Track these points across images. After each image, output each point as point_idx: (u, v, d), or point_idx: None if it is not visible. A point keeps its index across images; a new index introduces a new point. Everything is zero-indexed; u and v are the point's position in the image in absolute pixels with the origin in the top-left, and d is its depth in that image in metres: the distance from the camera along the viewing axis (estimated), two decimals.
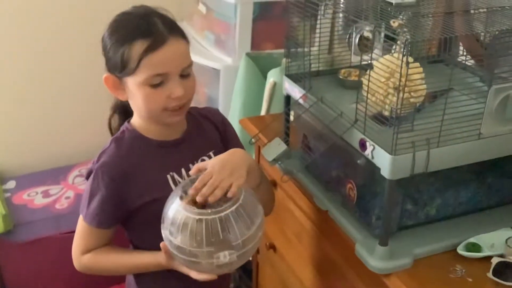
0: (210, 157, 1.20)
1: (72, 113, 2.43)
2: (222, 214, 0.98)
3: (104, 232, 1.16)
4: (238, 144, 1.27)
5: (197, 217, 0.98)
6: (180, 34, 1.11)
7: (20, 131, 2.43)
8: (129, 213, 1.15)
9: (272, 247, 1.60)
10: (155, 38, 1.06)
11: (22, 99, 2.38)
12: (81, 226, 1.17)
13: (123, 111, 1.23)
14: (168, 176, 1.16)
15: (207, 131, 1.24)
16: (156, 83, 1.07)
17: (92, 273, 1.20)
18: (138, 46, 1.05)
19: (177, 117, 1.14)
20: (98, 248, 1.17)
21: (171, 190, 1.11)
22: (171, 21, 1.11)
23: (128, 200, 1.14)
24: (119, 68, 1.08)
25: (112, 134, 1.25)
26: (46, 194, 2.26)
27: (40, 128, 2.44)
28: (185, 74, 1.11)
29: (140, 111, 1.14)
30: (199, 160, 1.19)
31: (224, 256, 0.99)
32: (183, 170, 1.17)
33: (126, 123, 1.19)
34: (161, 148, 1.17)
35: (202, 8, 2.17)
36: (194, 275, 1.05)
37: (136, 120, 1.18)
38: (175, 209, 1.01)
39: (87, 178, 1.17)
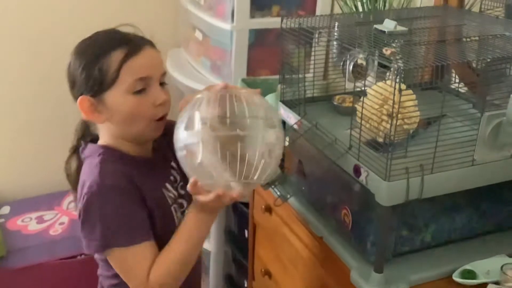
0: (175, 169, 1.19)
1: (67, 138, 2.43)
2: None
3: (150, 245, 1.07)
4: None
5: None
6: (152, 44, 1.11)
7: (14, 156, 2.43)
8: None
9: (267, 273, 1.59)
10: (132, 45, 1.06)
11: (16, 125, 2.39)
12: (123, 256, 1.05)
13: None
14: (164, 191, 1.15)
15: (163, 143, 1.20)
16: (139, 89, 1.05)
17: (171, 285, 1.08)
18: (116, 55, 1.04)
19: (159, 130, 1.12)
20: None
21: (169, 205, 1.12)
22: (140, 34, 1.12)
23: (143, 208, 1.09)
24: (96, 85, 1.05)
25: (70, 181, 1.19)
26: (40, 220, 2.24)
27: (35, 154, 2.43)
28: (163, 82, 1.11)
29: (125, 125, 1.09)
30: (168, 186, 1.16)
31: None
32: (168, 185, 1.16)
33: (96, 147, 1.12)
34: (146, 164, 1.13)
35: (198, 34, 2.19)
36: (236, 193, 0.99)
37: (110, 141, 1.12)
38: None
39: (85, 211, 1.04)
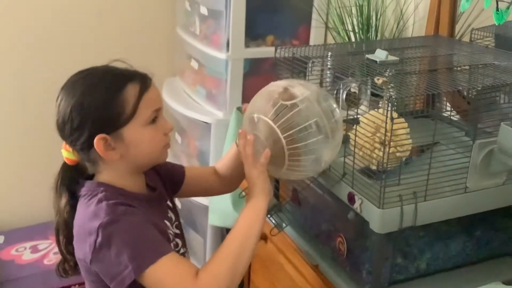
0: (170, 208, 1.20)
1: None
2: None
3: (176, 254, 1.04)
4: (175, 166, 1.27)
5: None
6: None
7: (8, 186, 2.42)
8: None
9: None
10: (141, 78, 1.07)
11: (12, 154, 2.39)
12: (159, 271, 0.98)
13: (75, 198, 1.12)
14: (167, 226, 1.14)
15: (158, 182, 1.21)
16: (153, 119, 1.07)
17: (232, 278, 1.01)
18: (131, 90, 1.04)
19: (167, 156, 1.14)
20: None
21: (171, 240, 1.10)
22: (132, 68, 1.10)
23: None
24: (114, 121, 1.03)
25: (66, 223, 1.15)
26: (34, 249, 2.23)
27: (29, 183, 2.43)
28: None
29: (142, 156, 1.08)
30: (167, 223, 1.15)
31: None
32: (166, 222, 1.14)
33: (94, 184, 1.09)
34: (146, 200, 1.12)
35: (194, 64, 2.21)
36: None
37: (111, 179, 1.09)
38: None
39: (104, 246, 0.99)
